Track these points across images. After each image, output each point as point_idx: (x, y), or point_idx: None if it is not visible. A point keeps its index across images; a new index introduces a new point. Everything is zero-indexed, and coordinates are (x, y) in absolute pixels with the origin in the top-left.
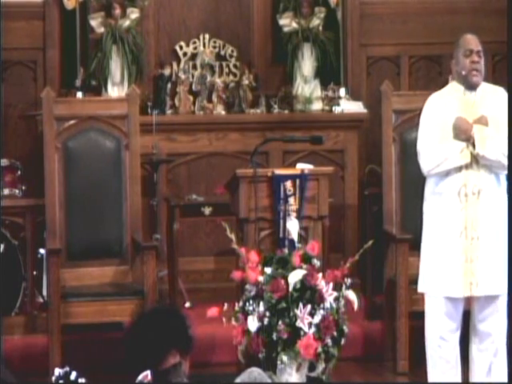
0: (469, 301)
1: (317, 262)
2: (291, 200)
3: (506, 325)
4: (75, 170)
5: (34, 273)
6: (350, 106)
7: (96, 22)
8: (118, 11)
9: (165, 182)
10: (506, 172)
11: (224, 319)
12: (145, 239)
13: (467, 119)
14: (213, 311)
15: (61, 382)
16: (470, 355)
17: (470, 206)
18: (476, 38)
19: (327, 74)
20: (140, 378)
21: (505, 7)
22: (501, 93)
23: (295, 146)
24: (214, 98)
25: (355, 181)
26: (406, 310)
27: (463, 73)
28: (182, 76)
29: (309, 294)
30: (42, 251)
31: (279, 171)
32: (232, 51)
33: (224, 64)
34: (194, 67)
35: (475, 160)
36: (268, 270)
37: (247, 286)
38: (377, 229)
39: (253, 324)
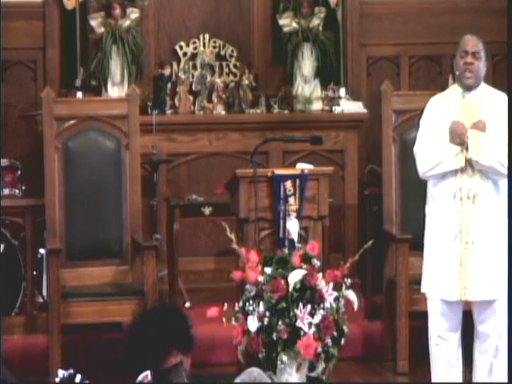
0: (468, 302)
1: (317, 262)
2: (291, 200)
3: (507, 327)
4: (75, 169)
5: (34, 273)
6: (349, 106)
7: (96, 22)
8: (117, 11)
9: (165, 182)
10: (503, 179)
11: (224, 319)
12: (145, 239)
13: (465, 123)
14: (213, 311)
15: None
16: (473, 357)
17: (465, 210)
18: (475, 39)
19: (327, 74)
20: (140, 378)
21: (505, 7)
22: (502, 98)
23: (295, 146)
24: (214, 98)
25: (355, 181)
26: (406, 309)
27: (457, 73)
28: (182, 76)
29: (309, 293)
30: (42, 251)
31: (279, 171)
32: (232, 51)
33: (224, 64)
34: (194, 67)
35: (470, 165)
36: (268, 270)
37: (247, 286)
38: (377, 229)
39: (253, 324)
